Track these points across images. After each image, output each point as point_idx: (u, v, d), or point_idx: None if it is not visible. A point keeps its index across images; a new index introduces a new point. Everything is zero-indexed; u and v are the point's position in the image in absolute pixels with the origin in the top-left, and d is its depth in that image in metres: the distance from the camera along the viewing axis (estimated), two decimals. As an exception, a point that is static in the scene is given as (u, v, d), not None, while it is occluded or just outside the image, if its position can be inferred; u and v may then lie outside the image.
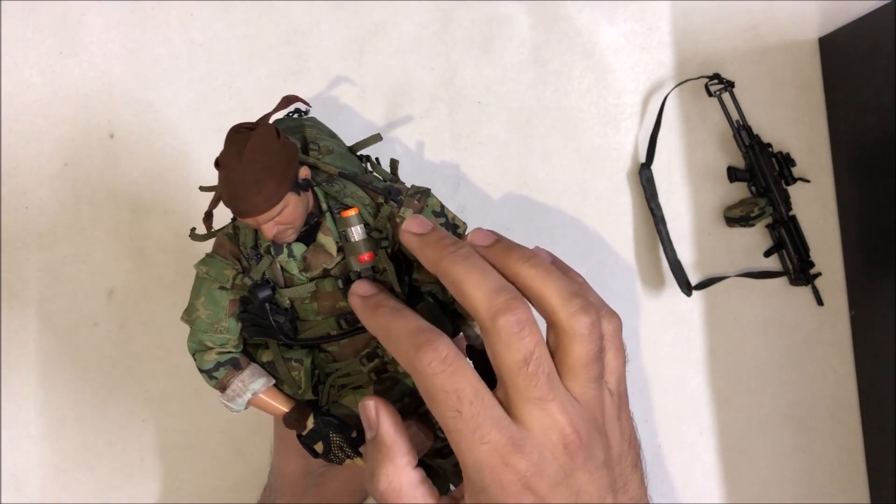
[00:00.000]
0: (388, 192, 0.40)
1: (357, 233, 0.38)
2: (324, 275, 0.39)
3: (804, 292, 0.64)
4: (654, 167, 0.63)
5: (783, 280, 0.63)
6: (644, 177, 0.62)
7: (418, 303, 0.41)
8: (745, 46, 0.64)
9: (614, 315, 0.33)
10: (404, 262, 0.42)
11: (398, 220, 0.40)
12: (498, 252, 0.31)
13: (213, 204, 0.39)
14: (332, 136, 0.48)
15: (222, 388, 0.41)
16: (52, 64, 0.62)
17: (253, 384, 0.41)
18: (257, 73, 0.63)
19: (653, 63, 0.64)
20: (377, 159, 0.48)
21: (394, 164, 0.48)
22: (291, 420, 0.42)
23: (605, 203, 0.64)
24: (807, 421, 0.63)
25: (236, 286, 0.40)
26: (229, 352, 0.41)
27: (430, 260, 0.31)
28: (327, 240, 0.39)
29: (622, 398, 0.32)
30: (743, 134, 0.62)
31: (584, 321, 0.29)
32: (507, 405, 0.28)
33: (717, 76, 0.62)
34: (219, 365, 0.41)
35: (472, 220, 0.63)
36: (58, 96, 0.62)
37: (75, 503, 0.61)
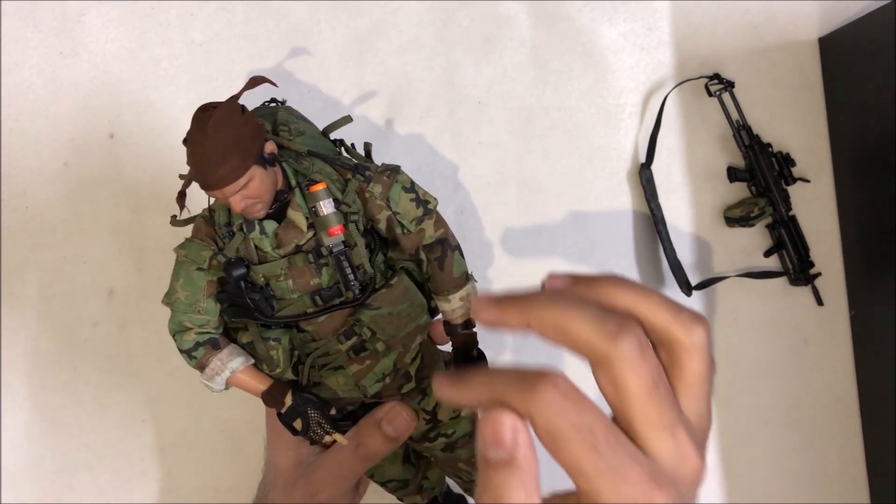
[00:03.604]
0: (355, 168, 0.41)
1: (326, 206, 0.39)
2: (296, 251, 0.40)
3: (804, 292, 0.64)
4: (654, 167, 0.63)
5: (783, 280, 0.63)
6: (644, 177, 0.62)
7: (394, 277, 0.42)
8: (745, 46, 0.64)
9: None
10: (379, 239, 0.43)
11: (367, 195, 0.41)
12: (582, 287, 0.29)
13: (186, 183, 0.40)
14: (305, 120, 0.49)
15: (201, 367, 0.42)
16: (52, 64, 0.62)
17: (231, 363, 0.41)
18: (257, 73, 0.63)
19: (653, 63, 0.64)
20: (352, 144, 0.48)
21: (367, 146, 0.49)
22: (270, 397, 0.43)
23: (605, 203, 0.64)
24: (807, 421, 0.63)
25: (213, 267, 0.41)
26: (208, 332, 0.42)
27: (516, 318, 0.28)
28: (297, 215, 0.39)
29: (707, 425, 0.30)
30: (743, 134, 0.62)
31: (702, 331, 0.27)
32: (631, 435, 0.26)
33: (717, 76, 0.62)
34: (198, 345, 0.41)
35: (472, 220, 0.63)
36: (58, 96, 0.62)
37: (75, 503, 0.61)
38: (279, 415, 0.43)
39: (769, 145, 0.62)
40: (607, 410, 0.27)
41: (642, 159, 0.63)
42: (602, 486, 0.25)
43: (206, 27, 0.63)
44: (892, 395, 0.58)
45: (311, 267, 0.40)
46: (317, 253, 0.40)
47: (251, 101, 0.63)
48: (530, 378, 0.26)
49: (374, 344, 0.42)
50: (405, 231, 0.42)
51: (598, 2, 0.64)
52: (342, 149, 0.48)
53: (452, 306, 0.43)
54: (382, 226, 0.42)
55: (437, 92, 0.63)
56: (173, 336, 0.42)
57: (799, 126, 0.64)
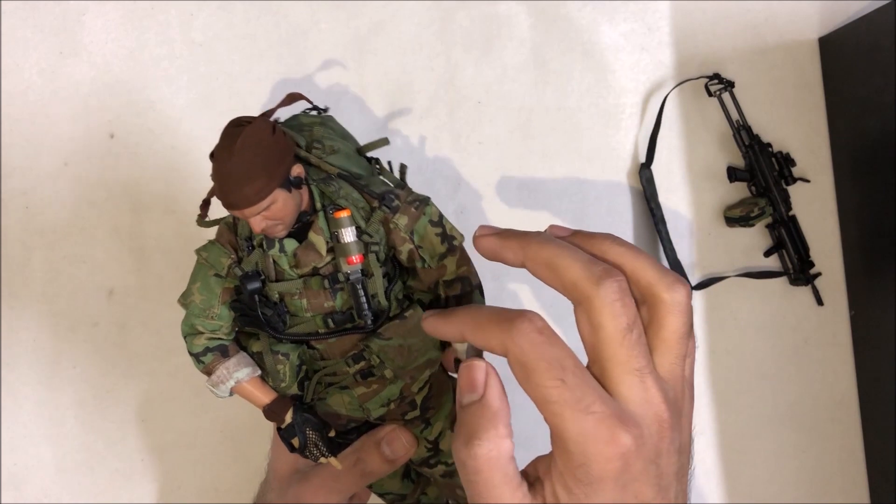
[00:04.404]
0: (382, 198, 0.40)
1: (348, 234, 0.39)
2: (313, 273, 0.40)
3: (804, 292, 0.64)
4: (654, 167, 0.63)
5: (783, 280, 0.63)
6: (644, 177, 0.62)
7: (409, 310, 0.41)
8: (745, 46, 0.64)
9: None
10: (399, 268, 0.42)
11: (391, 225, 0.40)
12: (579, 238, 0.31)
13: (211, 193, 0.40)
14: (344, 136, 0.48)
15: (208, 372, 0.42)
16: (52, 64, 0.62)
17: (237, 373, 0.41)
18: (257, 73, 0.63)
19: (653, 63, 0.64)
20: (389, 163, 0.48)
21: (403, 168, 0.48)
22: (271, 412, 0.42)
23: (605, 203, 0.64)
24: (807, 421, 0.63)
25: (230, 275, 0.40)
26: (219, 338, 0.42)
27: (514, 249, 0.31)
28: (318, 239, 0.39)
29: (691, 385, 0.32)
30: (743, 134, 0.62)
31: (683, 292, 0.29)
32: (602, 380, 0.28)
33: (717, 76, 0.62)
34: (207, 350, 0.41)
35: (473, 220, 0.63)
36: (58, 96, 0.62)
37: (75, 503, 0.61)
38: (278, 430, 0.43)
39: (769, 145, 0.62)
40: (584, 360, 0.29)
41: (642, 159, 0.63)
42: (567, 415, 0.26)
43: (206, 27, 0.63)
44: (892, 395, 0.58)
45: (327, 291, 0.40)
46: (333, 278, 0.39)
47: (255, 101, 0.63)
48: (509, 314, 0.28)
49: (382, 370, 0.42)
50: (426, 265, 0.41)
51: (598, 2, 0.64)
52: (377, 166, 0.47)
53: (464, 346, 0.43)
54: (404, 257, 0.41)
55: (437, 92, 0.63)
56: (184, 337, 0.42)
57: (799, 126, 0.64)
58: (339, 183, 0.41)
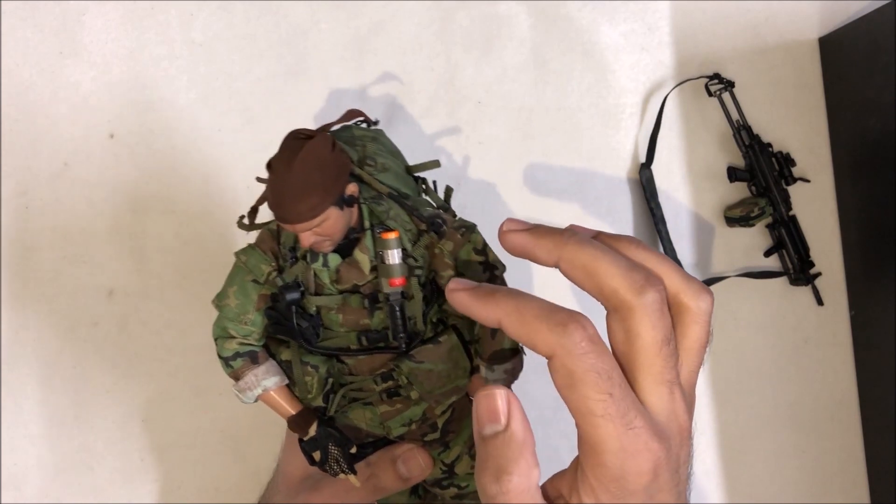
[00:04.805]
0: (431, 222, 0.40)
1: (394, 256, 0.38)
2: (353, 290, 0.39)
3: (804, 292, 0.64)
4: (654, 167, 0.63)
5: (783, 280, 0.63)
6: (644, 177, 0.62)
7: (443, 334, 0.41)
8: (745, 46, 0.64)
9: None
10: (436, 292, 0.42)
11: (437, 250, 0.40)
12: (605, 239, 0.30)
13: (260, 201, 0.39)
14: (395, 154, 0.48)
15: (236, 377, 0.41)
16: (52, 64, 0.62)
17: (265, 381, 0.41)
18: (257, 73, 0.63)
19: (653, 63, 0.64)
20: (434, 183, 0.47)
21: (448, 191, 0.47)
22: (296, 424, 0.42)
23: (605, 203, 0.64)
24: (807, 421, 0.63)
25: (269, 282, 0.40)
26: (250, 344, 0.41)
27: (548, 249, 0.29)
28: (363, 257, 0.39)
29: (694, 396, 0.32)
30: (743, 134, 0.62)
31: (709, 300, 0.28)
32: (632, 387, 0.27)
33: (717, 76, 0.62)
34: (237, 355, 0.41)
35: (472, 219, 0.63)
36: (58, 96, 0.62)
37: (75, 503, 0.61)
38: (300, 441, 0.43)
39: (769, 145, 0.62)
40: None
41: (642, 159, 0.63)
42: (610, 430, 0.25)
43: (206, 27, 0.63)
44: (892, 395, 0.58)
45: (365, 309, 0.40)
46: (373, 297, 0.39)
47: (255, 101, 0.63)
48: (560, 315, 0.26)
49: (409, 391, 0.41)
50: None
51: (598, 2, 0.64)
52: (423, 186, 0.47)
53: (495, 376, 0.41)
54: (444, 281, 0.41)
55: (437, 92, 0.63)
56: (215, 340, 0.42)
57: (799, 126, 0.64)
58: (388, 203, 0.40)
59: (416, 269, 0.39)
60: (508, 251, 0.32)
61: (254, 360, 0.41)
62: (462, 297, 0.30)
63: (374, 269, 0.39)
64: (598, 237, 0.31)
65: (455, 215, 0.43)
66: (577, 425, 0.27)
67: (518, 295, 0.29)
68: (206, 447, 0.62)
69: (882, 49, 0.56)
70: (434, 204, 0.45)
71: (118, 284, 0.62)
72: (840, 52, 0.62)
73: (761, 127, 0.63)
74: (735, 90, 0.62)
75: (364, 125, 0.49)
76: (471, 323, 0.42)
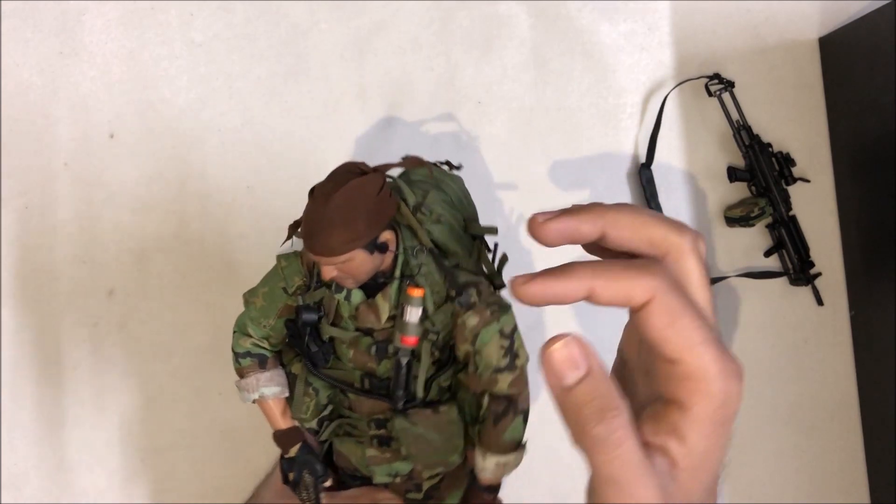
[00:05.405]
0: (460, 291, 0.39)
1: (413, 315, 0.38)
2: (367, 332, 0.40)
3: (804, 292, 0.63)
4: (654, 167, 0.63)
5: (783, 280, 0.63)
6: (644, 177, 0.62)
7: (445, 404, 0.41)
8: (745, 46, 0.64)
9: None
10: (452, 358, 0.42)
11: (459, 321, 0.39)
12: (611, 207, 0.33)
13: (299, 223, 0.40)
14: (459, 202, 0.46)
15: (240, 374, 0.42)
16: (52, 64, 0.62)
17: (265, 388, 0.42)
18: (257, 73, 0.63)
19: (653, 63, 0.64)
20: (496, 245, 0.45)
21: (503, 260, 0.45)
22: (280, 439, 0.43)
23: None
24: (807, 421, 0.63)
25: (295, 295, 0.41)
26: (263, 348, 0.42)
27: (591, 220, 0.29)
28: (384, 305, 0.39)
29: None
30: (743, 134, 0.62)
31: (689, 232, 0.30)
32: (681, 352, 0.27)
33: (717, 76, 0.62)
34: (248, 354, 0.42)
35: (472, 220, 0.63)
36: (58, 96, 0.62)
37: (75, 503, 0.61)
38: (282, 457, 0.44)
39: (769, 145, 0.62)
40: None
41: (642, 159, 0.63)
42: (713, 355, 0.27)
43: (206, 27, 0.63)
44: (892, 395, 0.58)
45: (373, 356, 0.40)
46: (384, 345, 0.39)
47: (255, 101, 0.63)
48: (643, 263, 0.28)
49: (399, 445, 0.42)
50: (477, 372, 0.40)
51: (598, 2, 0.64)
52: (482, 246, 0.46)
53: (485, 465, 0.41)
54: (461, 354, 0.41)
55: (437, 92, 0.63)
56: (234, 332, 0.42)
57: (799, 126, 0.64)
58: (426, 258, 0.40)
59: (430, 333, 0.39)
60: (548, 242, 0.31)
61: (262, 364, 0.42)
62: (530, 287, 0.28)
63: (392, 318, 0.39)
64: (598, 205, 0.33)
65: (502, 286, 0.42)
66: (674, 365, 0.26)
67: (592, 262, 0.28)
68: (206, 447, 0.62)
69: (882, 49, 0.56)
70: (484, 268, 0.44)
71: (118, 284, 0.62)
72: (840, 52, 0.62)
73: (761, 127, 0.63)
74: (735, 90, 0.62)
75: (445, 167, 0.48)
76: (477, 403, 0.41)
